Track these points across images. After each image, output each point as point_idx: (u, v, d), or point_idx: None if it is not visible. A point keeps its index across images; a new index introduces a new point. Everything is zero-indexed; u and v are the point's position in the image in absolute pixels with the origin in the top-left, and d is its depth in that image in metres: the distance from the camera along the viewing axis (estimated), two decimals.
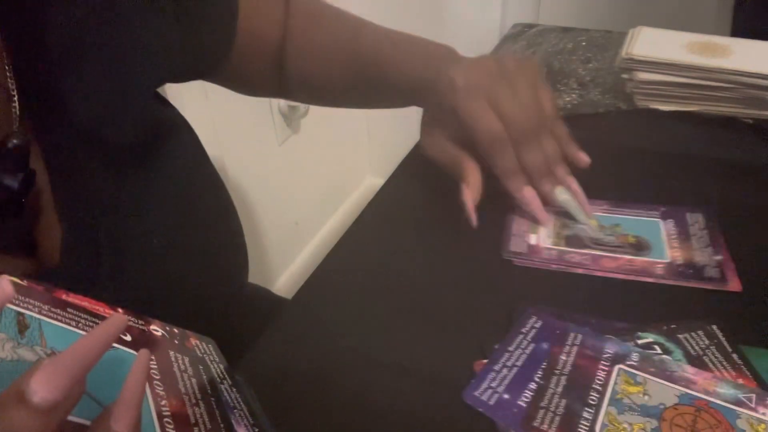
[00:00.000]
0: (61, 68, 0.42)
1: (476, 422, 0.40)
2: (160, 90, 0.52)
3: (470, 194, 0.53)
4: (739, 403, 0.40)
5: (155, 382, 0.33)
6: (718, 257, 0.52)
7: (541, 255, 0.53)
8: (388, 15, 1.72)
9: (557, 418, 0.40)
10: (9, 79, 0.41)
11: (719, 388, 0.41)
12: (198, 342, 0.40)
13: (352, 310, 0.50)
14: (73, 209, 0.44)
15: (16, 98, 0.41)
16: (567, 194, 0.56)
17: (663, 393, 0.41)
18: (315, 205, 1.73)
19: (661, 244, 0.54)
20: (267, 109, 1.43)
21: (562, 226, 0.56)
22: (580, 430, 0.39)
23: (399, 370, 0.45)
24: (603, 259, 0.52)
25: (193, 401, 0.34)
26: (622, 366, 0.43)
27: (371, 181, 1.96)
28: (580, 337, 0.45)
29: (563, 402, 0.41)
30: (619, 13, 1.46)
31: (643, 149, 0.67)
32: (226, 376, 0.40)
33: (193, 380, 0.36)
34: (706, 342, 0.44)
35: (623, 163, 0.65)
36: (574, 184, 0.56)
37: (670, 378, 0.42)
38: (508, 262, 0.53)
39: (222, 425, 0.35)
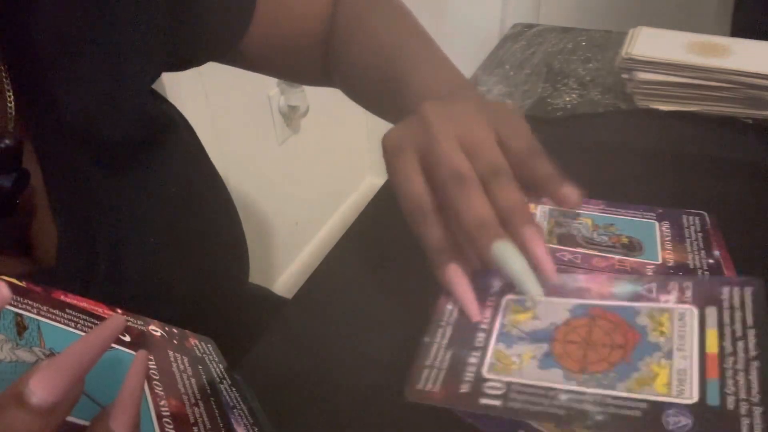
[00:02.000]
0: (53, 66, 0.42)
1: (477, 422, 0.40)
2: (159, 89, 0.52)
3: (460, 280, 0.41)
4: (637, 297, 0.38)
5: (154, 382, 0.33)
6: (711, 261, 0.52)
7: None
8: None
9: (442, 373, 0.37)
10: (4, 79, 0.41)
11: (615, 288, 0.39)
12: (197, 342, 0.40)
13: (352, 310, 0.50)
14: (68, 208, 0.44)
15: (11, 98, 0.41)
16: (510, 250, 0.38)
17: (554, 311, 0.38)
18: (315, 205, 1.73)
19: (654, 245, 0.54)
20: (267, 109, 1.43)
21: (555, 224, 0.56)
22: (466, 377, 0.36)
23: (398, 369, 0.45)
24: (594, 259, 0.52)
25: (193, 401, 0.34)
26: (510, 296, 0.40)
27: (371, 181, 1.96)
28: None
29: (448, 354, 0.38)
30: (619, 13, 1.46)
31: (643, 149, 0.67)
32: (226, 375, 0.40)
33: (193, 380, 0.36)
34: None
35: (623, 163, 0.65)
36: (534, 237, 0.39)
37: (561, 292, 0.39)
38: None
39: (221, 425, 0.35)
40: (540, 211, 0.58)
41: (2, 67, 0.41)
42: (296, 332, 0.49)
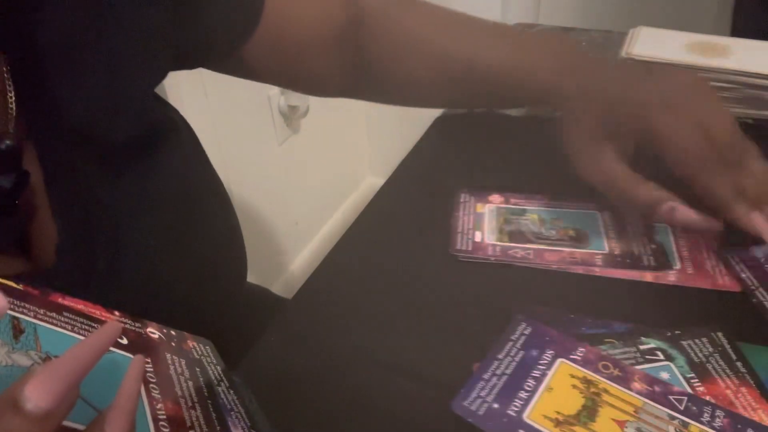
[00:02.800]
0: (55, 69, 0.42)
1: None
2: (159, 90, 0.52)
3: (686, 209, 0.48)
4: None
5: (151, 385, 0.33)
6: (654, 246, 0.53)
7: (486, 251, 0.54)
8: None
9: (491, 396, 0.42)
10: (6, 80, 0.41)
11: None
12: (195, 344, 0.40)
13: (352, 310, 0.50)
14: (68, 209, 0.44)
15: (13, 99, 0.41)
16: None
17: None
18: (315, 205, 1.72)
19: (599, 235, 0.55)
20: (267, 109, 1.43)
21: (504, 222, 0.57)
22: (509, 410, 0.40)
23: (398, 370, 0.45)
24: (545, 253, 0.53)
25: (190, 404, 0.34)
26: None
27: (371, 181, 1.96)
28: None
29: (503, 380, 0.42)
30: (619, 13, 1.46)
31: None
32: (224, 377, 0.40)
33: (190, 383, 0.36)
34: (710, 349, 0.44)
35: None
36: None
37: None
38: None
39: (218, 428, 0.35)
40: (488, 209, 0.58)
41: (4, 68, 0.41)
42: (296, 332, 0.49)
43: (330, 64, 0.62)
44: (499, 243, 0.55)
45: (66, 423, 0.27)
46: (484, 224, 0.57)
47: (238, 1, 0.55)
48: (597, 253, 0.53)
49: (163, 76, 0.50)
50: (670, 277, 0.50)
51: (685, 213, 0.48)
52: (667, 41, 0.75)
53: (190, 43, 0.52)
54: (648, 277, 0.50)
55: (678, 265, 0.51)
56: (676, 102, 0.49)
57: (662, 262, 0.52)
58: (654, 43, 0.75)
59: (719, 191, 0.48)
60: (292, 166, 1.56)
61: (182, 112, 0.57)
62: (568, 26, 0.96)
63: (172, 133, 0.51)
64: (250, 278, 0.69)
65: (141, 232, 0.47)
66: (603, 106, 0.51)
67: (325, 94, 0.67)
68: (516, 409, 0.40)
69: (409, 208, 0.61)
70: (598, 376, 0.42)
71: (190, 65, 0.57)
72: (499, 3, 1.49)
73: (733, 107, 0.70)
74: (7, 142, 0.40)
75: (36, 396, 0.24)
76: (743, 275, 0.49)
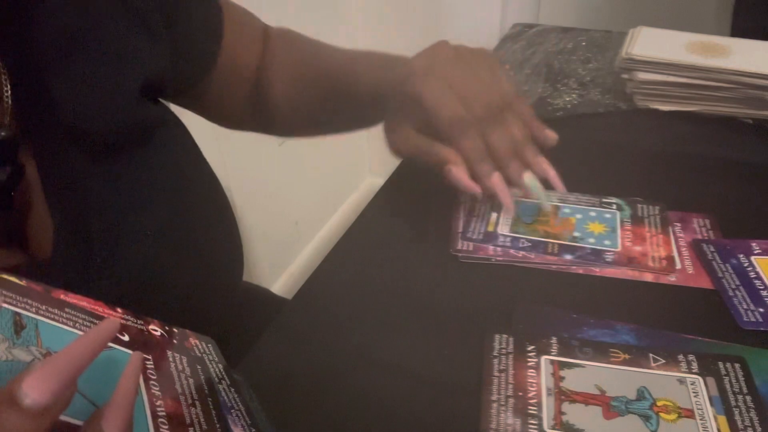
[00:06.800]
0: (49, 66, 0.42)
1: (474, 421, 0.40)
2: None
3: (460, 171, 0.52)
4: None
5: (151, 382, 0.33)
6: (665, 248, 0.53)
7: (487, 251, 0.54)
8: (389, 15, 1.71)
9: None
10: (2, 74, 0.41)
11: None
12: (197, 342, 0.40)
13: (352, 310, 0.50)
14: (63, 204, 0.44)
15: (9, 92, 0.41)
16: (535, 180, 0.54)
17: None
18: (315, 205, 1.72)
19: (615, 234, 0.55)
20: None
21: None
22: None
23: (398, 370, 0.45)
24: (546, 254, 0.53)
25: (190, 401, 0.34)
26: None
27: (371, 181, 1.96)
28: None
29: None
30: (619, 13, 1.46)
31: (643, 149, 0.67)
32: (225, 376, 0.40)
33: (191, 380, 0.36)
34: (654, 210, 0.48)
35: (623, 164, 0.65)
36: (545, 163, 0.54)
37: None
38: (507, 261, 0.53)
39: (218, 426, 0.35)
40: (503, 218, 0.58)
41: (0, 63, 0.41)
42: (296, 332, 0.49)
43: (248, 100, 0.67)
44: (510, 234, 0.55)
45: (64, 418, 0.27)
46: (499, 214, 0.58)
47: (204, 33, 0.58)
48: (608, 251, 0.53)
49: (152, 81, 0.51)
50: (670, 277, 0.50)
51: (456, 175, 0.52)
52: (667, 41, 0.75)
53: (171, 63, 0.53)
54: (648, 277, 0.51)
55: (678, 265, 0.51)
56: (434, 70, 0.52)
57: (663, 262, 0.52)
58: (654, 43, 0.75)
59: (466, 152, 0.52)
60: (292, 166, 1.56)
61: (182, 113, 0.58)
62: (568, 26, 0.96)
63: (164, 130, 0.52)
64: (251, 278, 0.69)
65: (136, 226, 0.48)
66: (402, 95, 0.54)
67: (242, 127, 0.75)
68: None
69: (409, 208, 0.61)
70: None
71: (170, 85, 0.57)
72: (499, 3, 1.49)
73: (733, 107, 0.70)
74: (3, 132, 0.40)
75: (33, 392, 0.24)
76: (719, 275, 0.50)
